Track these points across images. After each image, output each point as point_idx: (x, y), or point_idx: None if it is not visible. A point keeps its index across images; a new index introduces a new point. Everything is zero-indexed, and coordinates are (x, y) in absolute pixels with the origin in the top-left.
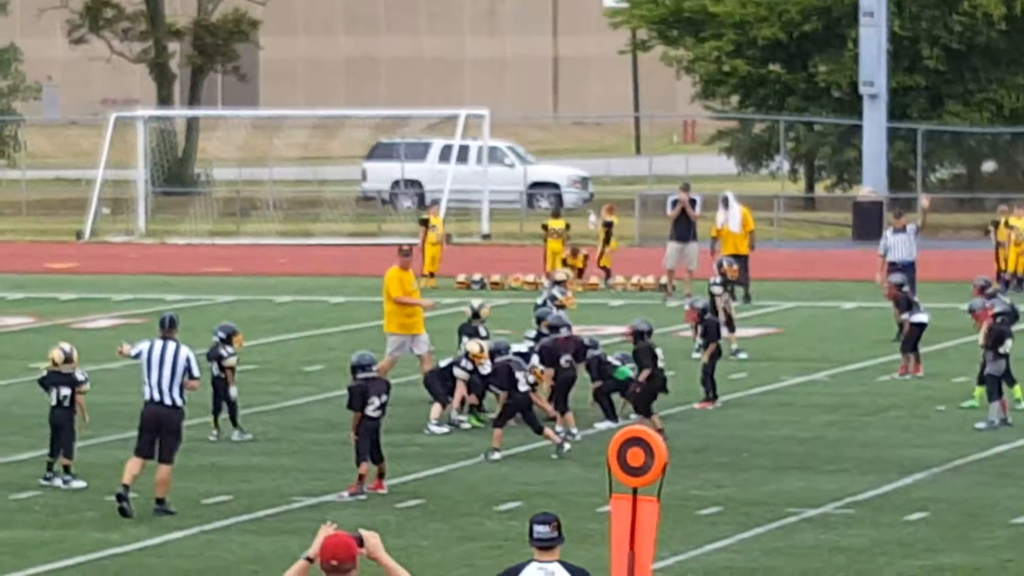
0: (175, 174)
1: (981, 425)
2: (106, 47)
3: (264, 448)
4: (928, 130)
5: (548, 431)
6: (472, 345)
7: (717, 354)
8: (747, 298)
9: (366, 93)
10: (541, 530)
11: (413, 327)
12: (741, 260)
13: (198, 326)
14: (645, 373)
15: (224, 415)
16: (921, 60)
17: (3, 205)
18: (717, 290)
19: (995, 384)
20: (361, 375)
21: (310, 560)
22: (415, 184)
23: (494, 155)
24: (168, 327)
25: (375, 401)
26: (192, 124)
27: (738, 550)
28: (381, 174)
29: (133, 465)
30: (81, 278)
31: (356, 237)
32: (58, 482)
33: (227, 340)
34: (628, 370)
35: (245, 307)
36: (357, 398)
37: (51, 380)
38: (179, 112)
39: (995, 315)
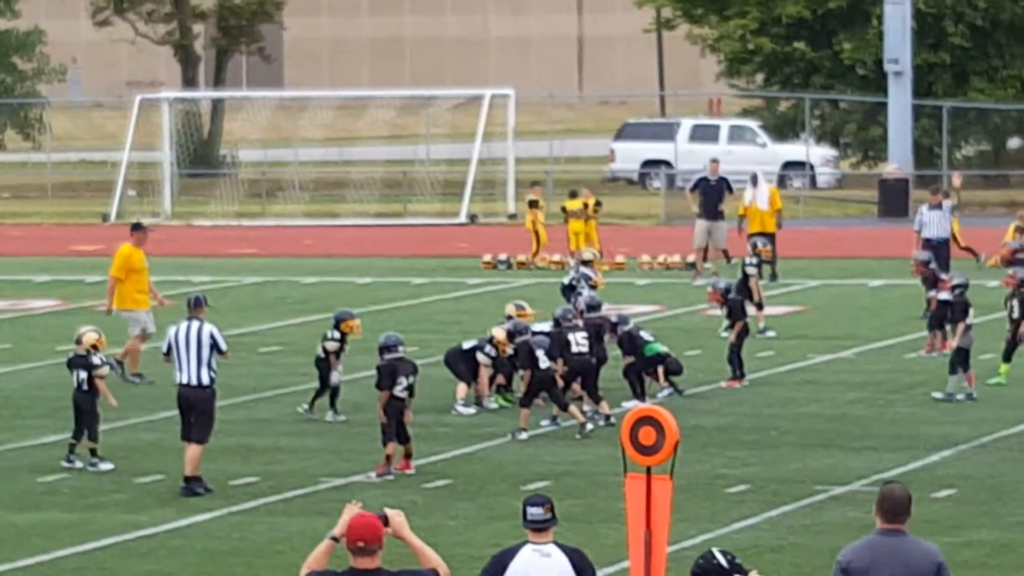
0: (200, 156)
1: (938, 395)
2: (131, 29)
3: (291, 429)
4: (953, 107)
5: (573, 409)
6: (498, 332)
7: (744, 333)
8: (774, 276)
9: (391, 73)
10: (535, 512)
11: (144, 302)
12: (768, 238)
13: (224, 307)
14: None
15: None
16: (946, 37)
17: (29, 188)
18: (752, 270)
19: (963, 357)
20: (389, 355)
21: (335, 540)
22: (665, 164)
23: (743, 135)
24: (194, 307)
25: (403, 381)
26: (217, 105)
27: (766, 528)
28: (629, 154)
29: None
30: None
31: (382, 218)
32: (79, 464)
33: (336, 325)
34: (658, 346)
35: (271, 288)
36: (387, 377)
37: (73, 362)
38: (204, 94)
39: (954, 287)
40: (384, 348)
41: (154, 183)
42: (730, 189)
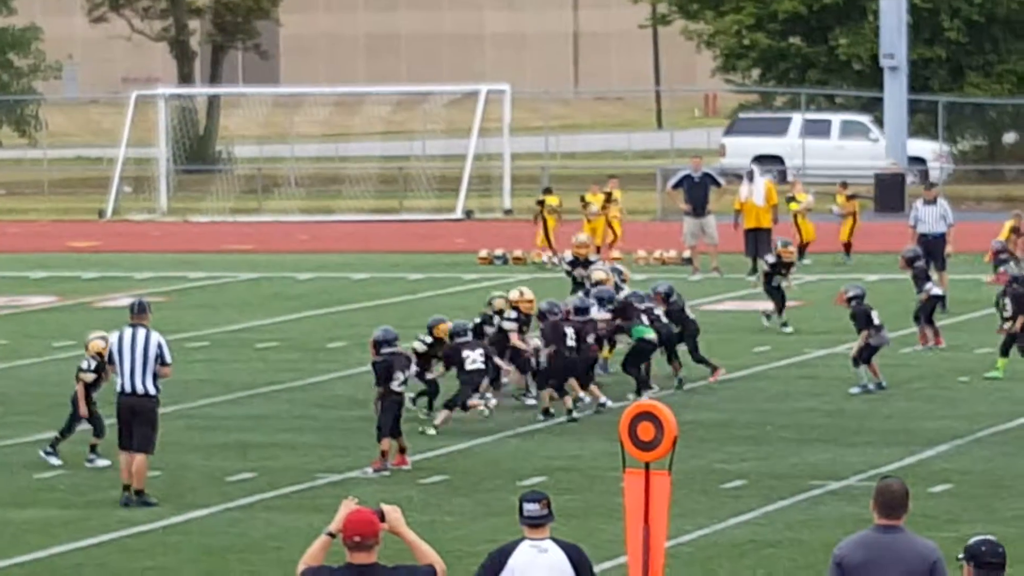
0: (196, 152)
1: (855, 390)
2: (126, 25)
3: (288, 425)
4: (949, 102)
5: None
6: (510, 294)
7: (695, 333)
8: None
9: (386, 69)
10: (531, 508)
11: None
12: (764, 233)
13: (220, 303)
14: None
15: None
16: (942, 32)
17: (25, 184)
18: (765, 268)
19: (869, 352)
20: (386, 349)
21: (332, 535)
22: (776, 159)
23: (856, 129)
24: (138, 313)
25: (399, 376)
26: (213, 102)
27: (763, 523)
28: (740, 149)
29: (125, 461)
30: (104, 256)
31: (378, 213)
32: (104, 463)
33: (429, 331)
34: (644, 329)
35: (267, 284)
36: (383, 373)
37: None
38: (200, 90)
39: (849, 299)
40: (383, 342)
41: (150, 179)
42: (716, 183)
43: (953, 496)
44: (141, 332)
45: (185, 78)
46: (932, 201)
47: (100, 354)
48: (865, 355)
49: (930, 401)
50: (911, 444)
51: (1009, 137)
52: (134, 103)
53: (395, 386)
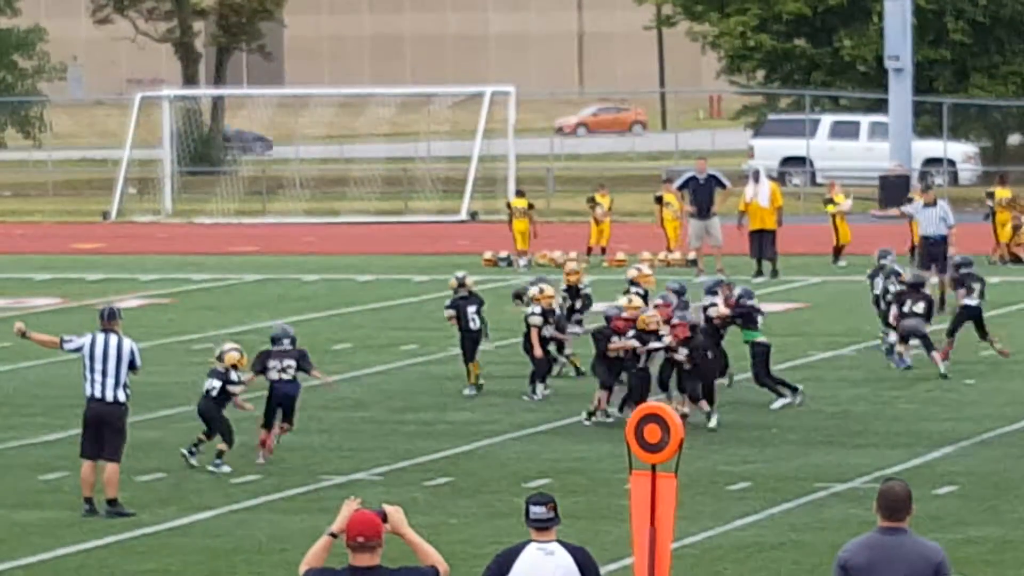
0: (201, 153)
1: (901, 364)
2: (131, 27)
3: None
4: (954, 104)
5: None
6: (532, 290)
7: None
8: (774, 273)
9: (391, 71)
10: (538, 511)
11: None
12: (769, 235)
13: (225, 305)
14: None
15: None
16: (946, 33)
17: (30, 186)
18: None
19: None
20: (275, 347)
21: (334, 536)
22: (804, 161)
23: (884, 131)
24: (108, 319)
25: (276, 365)
26: (218, 103)
27: (767, 525)
28: (768, 151)
29: (87, 472)
30: (108, 258)
31: (383, 215)
32: (194, 463)
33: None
34: (754, 332)
35: (272, 286)
36: (257, 363)
37: (211, 373)
38: (205, 91)
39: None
40: (271, 339)
41: (155, 181)
42: (721, 185)
43: (958, 498)
44: (114, 339)
45: (190, 79)
46: (931, 203)
47: (235, 365)
48: (903, 336)
49: (935, 403)
50: (916, 446)
51: (1014, 138)
52: (139, 105)
53: (273, 376)
